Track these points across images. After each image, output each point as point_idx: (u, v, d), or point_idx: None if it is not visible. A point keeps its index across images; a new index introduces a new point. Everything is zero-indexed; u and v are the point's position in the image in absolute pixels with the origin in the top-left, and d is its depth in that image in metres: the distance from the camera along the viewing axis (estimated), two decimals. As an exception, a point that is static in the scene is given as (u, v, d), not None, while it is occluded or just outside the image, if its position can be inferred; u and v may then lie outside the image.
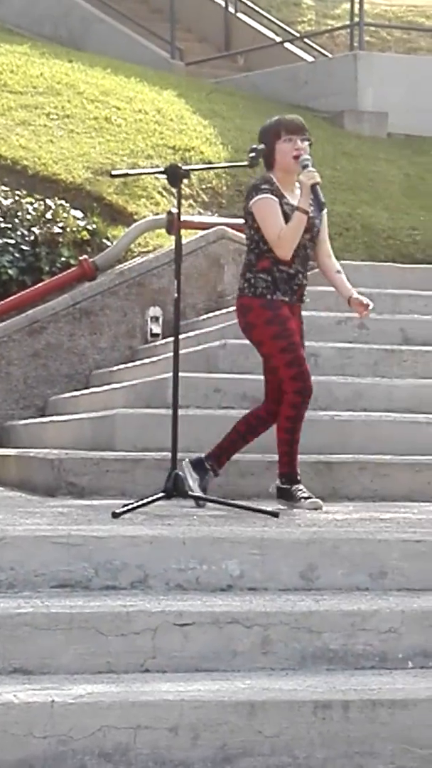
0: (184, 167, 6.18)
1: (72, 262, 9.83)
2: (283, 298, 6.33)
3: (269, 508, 5.93)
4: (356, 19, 14.43)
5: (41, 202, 10.08)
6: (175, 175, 6.08)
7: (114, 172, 6.54)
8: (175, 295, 6.05)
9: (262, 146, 6.38)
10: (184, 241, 9.58)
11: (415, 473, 7.04)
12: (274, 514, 5.81)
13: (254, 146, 6.37)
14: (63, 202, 10.17)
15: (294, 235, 6.23)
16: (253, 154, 6.33)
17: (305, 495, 6.29)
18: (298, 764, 4.33)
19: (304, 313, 8.40)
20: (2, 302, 9.61)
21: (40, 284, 9.69)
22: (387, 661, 4.76)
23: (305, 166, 6.26)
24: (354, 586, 5.12)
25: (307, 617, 4.74)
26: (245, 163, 6.35)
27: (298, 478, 6.36)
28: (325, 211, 6.42)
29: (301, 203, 6.24)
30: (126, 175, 6.45)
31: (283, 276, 6.32)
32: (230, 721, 4.31)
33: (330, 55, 15.03)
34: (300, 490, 6.30)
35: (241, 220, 10.55)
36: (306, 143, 6.32)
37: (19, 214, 9.94)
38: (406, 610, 4.83)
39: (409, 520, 5.91)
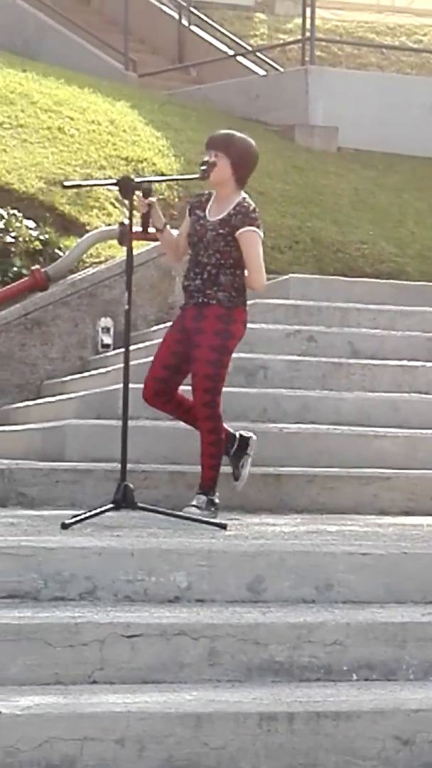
0: (136, 179, 6.23)
1: (24, 272, 9.83)
2: (181, 306, 6.65)
3: (218, 520, 5.98)
4: (308, 34, 14.52)
5: (-7, 212, 10.08)
6: (126, 187, 6.13)
7: (66, 183, 6.59)
8: (126, 306, 6.10)
9: (213, 159, 6.44)
10: (135, 252, 9.60)
11: (362, 486, 7.11)
12: (222, 526, 5.86)
13: (206, 159, 6.43)
14: (15, 211, 10.17)
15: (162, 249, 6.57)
16: (204, 167, 6.39)
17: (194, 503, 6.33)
18: (243, 775, 4.37)
19: (253, 325, 8.49)
20: None
21: (-9, 294, 9.68)
22: (332, 674, 4.82)
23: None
24: (300, 599, 5.17)
25: (254, 629, 4.79)
26: (197, 175, 6.40)
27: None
28: (243, 230, 6.40)
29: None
30: (78, 186, 6.48)
31: (183, 284, 6.65)
32: (176, 732, 4.35)
33: (281, 69, 15.11)
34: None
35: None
36: (219, 158, 6.42)
37: (-29, 223, 9.94)
38: (352, 622, 4.89)
39: (356, 533, 5.98)
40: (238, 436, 6.69)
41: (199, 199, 6.63)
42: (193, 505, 6.30)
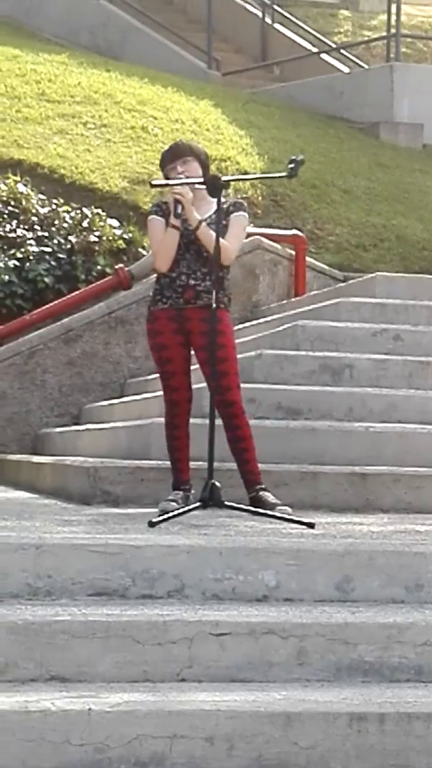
0: (223, 177, 6.20)
1: (108, 270, 9.87)
2: (163, 307, 6.40)
3: (305, 519, 5.94)
4: (393, 31, 14.44)
5: (78, 211, 10.12)
6: (214, 185, 6.11)
7: (154, 182, 6.57)
8: (213, 303, 6.08)
9: (301, 157, 6.40)
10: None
11: (450, 486, 7.03)
12: (310, 525, 5.82)
13: (294, 157, 6.38)
14: (99, 211, 10.22)
15: (163, 249, 6.34)
16: (292, 165, 6.35)
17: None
18: (333, 776, 4.33)
19: (338, 324, 8.45)
20: (38, 310, 9.65)
21: (75, 293, 9.73)
22: (423, 674, 4.76)
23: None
24: (390, 599, 5.12)
25: (343, 629, 4.74)
26: (284, 174, 6.36)
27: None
28: (239, 213, 6.40)
29: (172, 220, 6.32)
30: (165, 185, 6.45)
31: (166, 281, 6.42)
32: (266, 732, 4.32)
33: (366, 66, 15.03)
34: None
35: (277, 231, 10.60)
36: (189, 163, 6.35)
37: (56, 222, 9.99)
38: (443, 623, 4.83)
39: (445, 533, 5.91)
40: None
41: (166, 205, 6.40)
42: (279, 505, 6.28)
